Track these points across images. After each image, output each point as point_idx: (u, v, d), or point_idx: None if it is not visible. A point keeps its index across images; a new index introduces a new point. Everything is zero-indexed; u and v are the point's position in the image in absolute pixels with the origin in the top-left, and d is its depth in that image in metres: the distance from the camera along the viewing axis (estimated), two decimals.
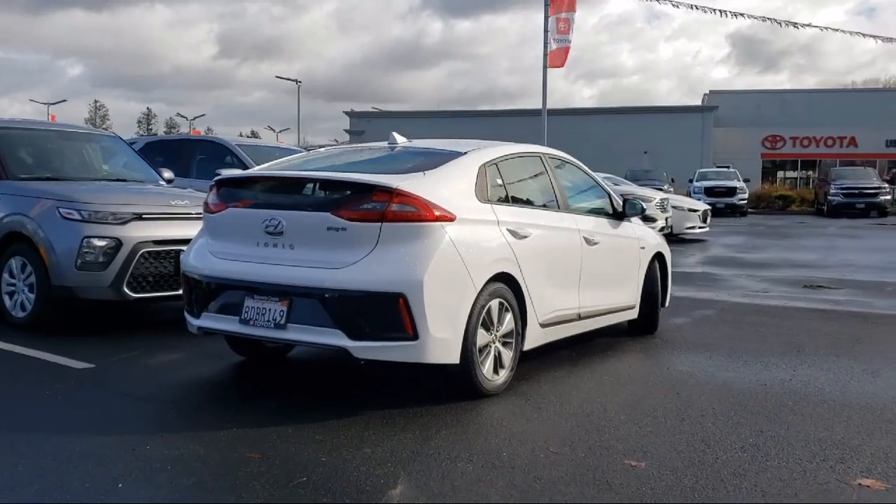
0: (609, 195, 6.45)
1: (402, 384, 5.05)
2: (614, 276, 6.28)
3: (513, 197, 5.23)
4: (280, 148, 9.94)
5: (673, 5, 26.07)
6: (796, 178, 45.67)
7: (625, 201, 6.53)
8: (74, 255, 6.14)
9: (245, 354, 5.53)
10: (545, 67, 26.24)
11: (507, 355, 4.87)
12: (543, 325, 5.25)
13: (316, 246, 4.42)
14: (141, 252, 6.28)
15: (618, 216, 6.40)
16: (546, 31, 25.80)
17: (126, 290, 6.25)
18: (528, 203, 5.45)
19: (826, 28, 46.13)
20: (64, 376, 5.08)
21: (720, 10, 44.95)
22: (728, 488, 3.41)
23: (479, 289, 4.56)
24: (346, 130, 47.15)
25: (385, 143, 5.46)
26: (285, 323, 4.40)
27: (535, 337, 5.18)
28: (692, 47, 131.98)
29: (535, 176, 5.66)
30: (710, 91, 51.21)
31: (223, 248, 4.78)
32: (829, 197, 32.12)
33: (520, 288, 4.93)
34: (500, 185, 5.13)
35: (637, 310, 6.63)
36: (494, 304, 4.71)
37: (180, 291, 6.48)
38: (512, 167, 5.36)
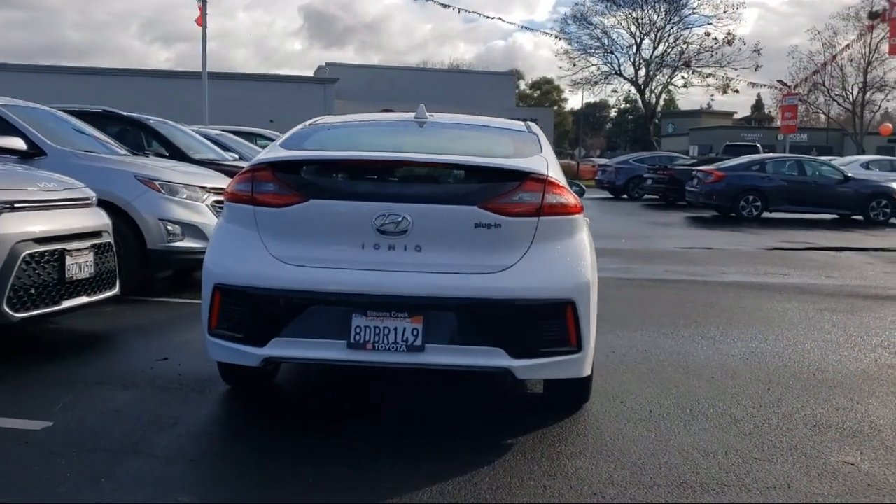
0: None
1: (432, 395, 4.38)
2: None
3: None
4: (47, 111, 7.80)
5: None
6: None
7: None
8: None
9: (235, 383, 4.32)
10: (204, 27, 24.65)
11: None
12: None
13: (455, 247, 3.55)
14: (23, 255, 4.52)
15: None
16: None
17: (6, 308, 4.45)
18: None
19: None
20: (36, 444, 3.48)
21: None
22: None
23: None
24: None
25: (410, 116, 4.55)
26: (423, 344, 3.49)
27: None
28: (268, 18, 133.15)
29: None
30: (328, 63, 52.14)
31: (302, 253, 3.60)
32: None
33: None
34: None
35: None
36: None
37: (63, 306, 4.93)
38: None
